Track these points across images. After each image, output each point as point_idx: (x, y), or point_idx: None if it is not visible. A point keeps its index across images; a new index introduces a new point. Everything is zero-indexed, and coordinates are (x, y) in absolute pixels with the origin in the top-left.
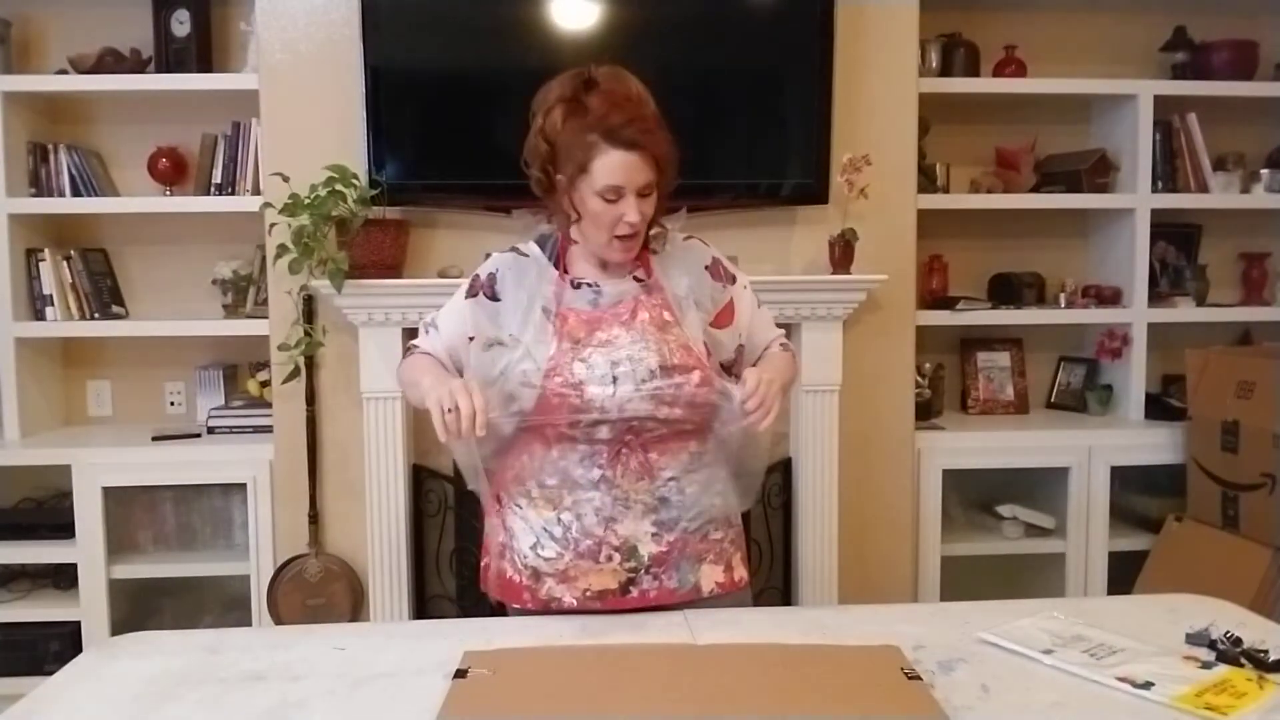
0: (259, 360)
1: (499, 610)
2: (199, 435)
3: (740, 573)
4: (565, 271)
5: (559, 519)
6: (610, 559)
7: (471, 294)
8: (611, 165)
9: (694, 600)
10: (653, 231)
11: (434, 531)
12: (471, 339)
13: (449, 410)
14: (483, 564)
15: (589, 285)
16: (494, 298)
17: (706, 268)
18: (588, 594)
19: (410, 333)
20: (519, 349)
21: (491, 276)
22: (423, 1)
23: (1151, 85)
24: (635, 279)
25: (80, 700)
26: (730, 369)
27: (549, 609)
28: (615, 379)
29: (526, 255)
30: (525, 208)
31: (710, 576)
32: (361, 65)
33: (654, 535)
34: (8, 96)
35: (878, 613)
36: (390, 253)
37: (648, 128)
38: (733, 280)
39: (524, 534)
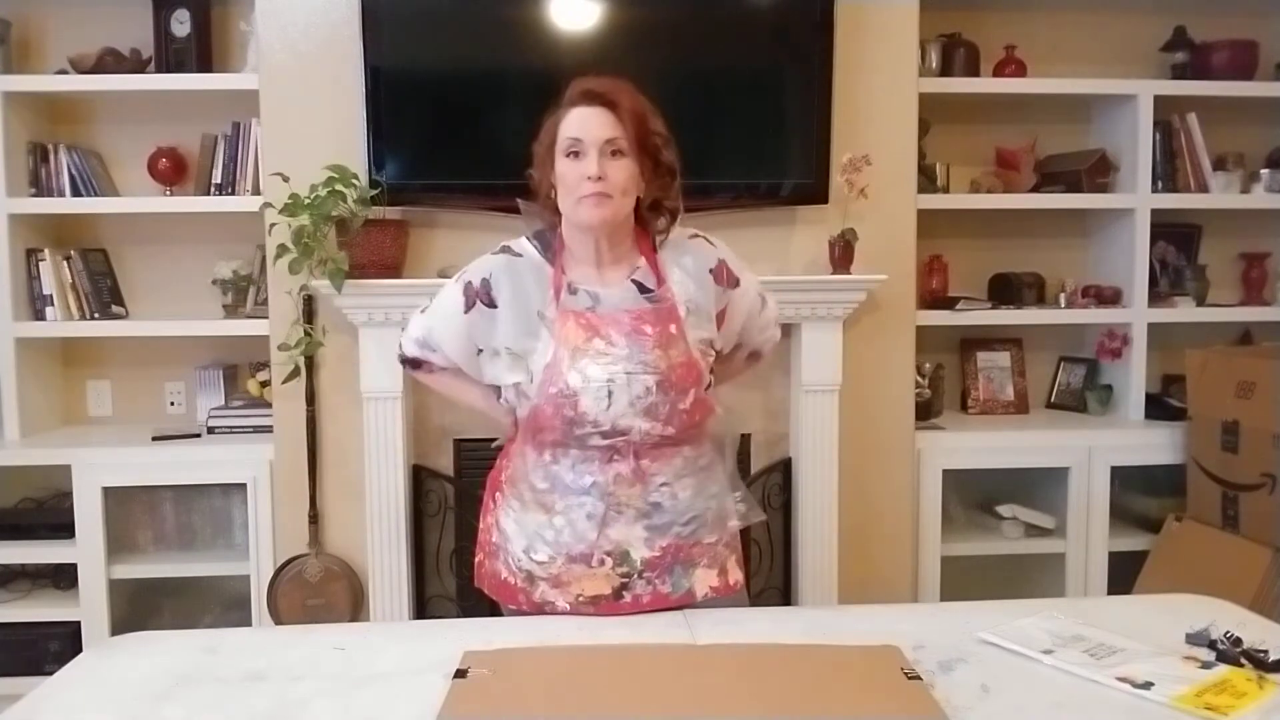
0: (259, 360)
1: (497, 608)
2: (199, 435)
3: (735, 575)
4: (562, 272)
5: (551, 523)
6: (602, 564)
7: (469, 306)
8: (570, 121)
9: (688, 605)
10: (659, 225)
11: (434, 531)
12: (481, 351)
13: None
14: (476, 560)
15: (586, 291)
16: (491, 304)
17: (711, 270)
18: (580, 599)
19: None
20: (515, 356)
21: (485, 282)
22: (423, 1)
23: (1151, 85)
24: (634, 282)
25: (80, 700)
26: None
27: (543, 612)
28: (610, 393)
29: (520, 255)
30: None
31: (704, 581)
32: (361, 65)
33: (646, 540)
34: (8, 96)
35: (878, 613)
36: (390, 253)
37: (611, 86)
38: (736, 284)
39: (517, 536)
